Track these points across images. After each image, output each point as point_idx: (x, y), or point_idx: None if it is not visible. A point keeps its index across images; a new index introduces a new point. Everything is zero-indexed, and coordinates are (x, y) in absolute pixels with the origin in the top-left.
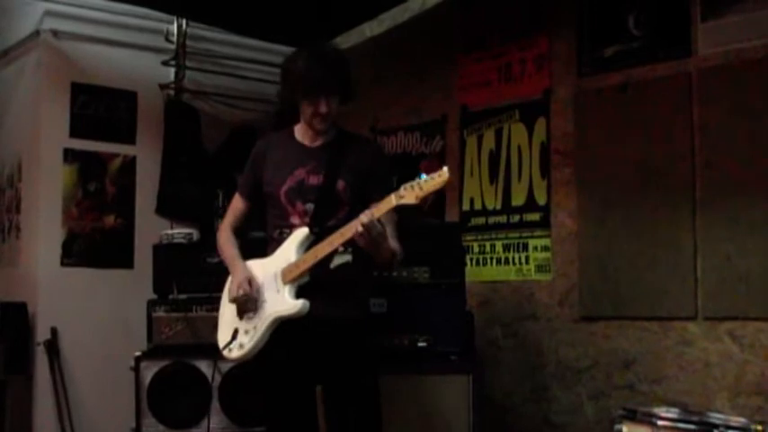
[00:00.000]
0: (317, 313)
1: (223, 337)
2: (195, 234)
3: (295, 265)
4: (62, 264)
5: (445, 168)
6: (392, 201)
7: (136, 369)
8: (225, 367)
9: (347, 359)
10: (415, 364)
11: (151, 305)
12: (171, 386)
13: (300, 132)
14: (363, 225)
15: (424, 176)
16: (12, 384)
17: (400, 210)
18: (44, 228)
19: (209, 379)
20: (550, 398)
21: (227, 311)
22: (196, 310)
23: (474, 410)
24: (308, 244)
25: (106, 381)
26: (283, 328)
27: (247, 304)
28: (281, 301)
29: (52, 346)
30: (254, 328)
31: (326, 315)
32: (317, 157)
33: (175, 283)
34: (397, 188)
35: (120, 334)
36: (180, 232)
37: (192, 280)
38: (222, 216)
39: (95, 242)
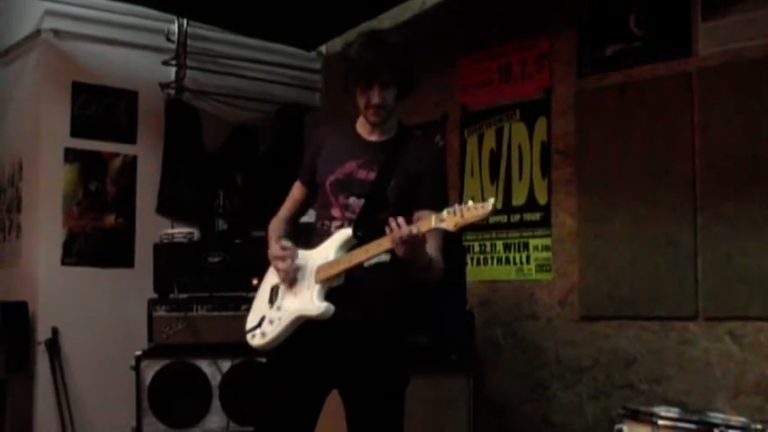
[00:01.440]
0: (348, 318)
1: (251, 321)
2: (196, 233)
3: (329, 265)
4: (63, 263)
5: (491, 200)
6: (431, 223)
7: (136, 368)
8: (225, 366)
9: (375, 366)
10: (415, 363)
11: (152, 304)
12: (171, 385)
13: (360, 123)
14: (401, 238)
15: (469, 203)
16: (13, 384)
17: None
18: (45, 227)
19: (210, 378)
20: (551, 397)
21: (260, 297)
22: (197, 310)
23: (474, 410)
24: (350, 247)
25: (107, 380)
26: (311, 326)
27: (290, 273)
28: (308, 300)
29: (53, 346)
30: (279, 319)
31: (358, 320)
32: (371, 152)
33: (176, 282)
34: (440, 209)
35: (120, 333)
36: (180, 232)
37: (192, 279)
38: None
39: (96, 241)
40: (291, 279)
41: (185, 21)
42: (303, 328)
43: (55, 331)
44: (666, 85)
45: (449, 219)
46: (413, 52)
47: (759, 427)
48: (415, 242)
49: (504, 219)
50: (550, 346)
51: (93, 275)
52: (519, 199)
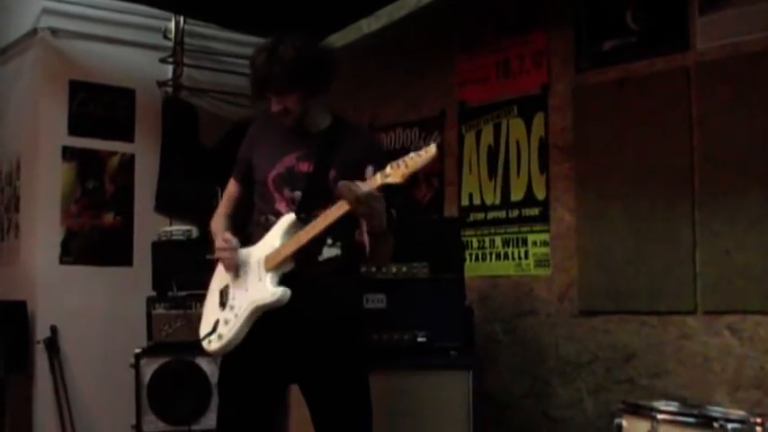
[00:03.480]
0: (306, 312)
1: (204, 328)
2: (194, 231)
3: (277, 251)
4: (61, 262)
5: (433, 145)
6: (377, 180)
7: (136, 366)
8: None
9: (336, 358)
10: (414, 359)
11: (150, 302)
12: (171, 383)
13: None
14: (357, 197)
15: (410, 154)
16: (12, 383)
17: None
18: (43, 226)
19: (209, 375)
20: (550, 393)
21: (209, 303)
22: (195, 307)
23: (474, 406)
24: (295, 231)
25: (106, 378)
26: (268, 323)
27: (232, 261)
28: (262, 289)
29: (52, 345)
30: (235, 316)
31: (315, 314)
32: (308, 144)
33: (174, 280)
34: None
35: (119, 331)
36: (179, 229)
37: (191, 277)
38: None
39: (94, 240)
40: (237, 269)
41: (182, 18)
42: (260, 324)
43: (54, 330)
44: (664, 80)
45: (394, 172)
46: (314, 55)
47: (758, 420)
48: (372, 198)
49: (502, 214)
50: (550, 342)
51: (91, 274)
52: (517, 194)
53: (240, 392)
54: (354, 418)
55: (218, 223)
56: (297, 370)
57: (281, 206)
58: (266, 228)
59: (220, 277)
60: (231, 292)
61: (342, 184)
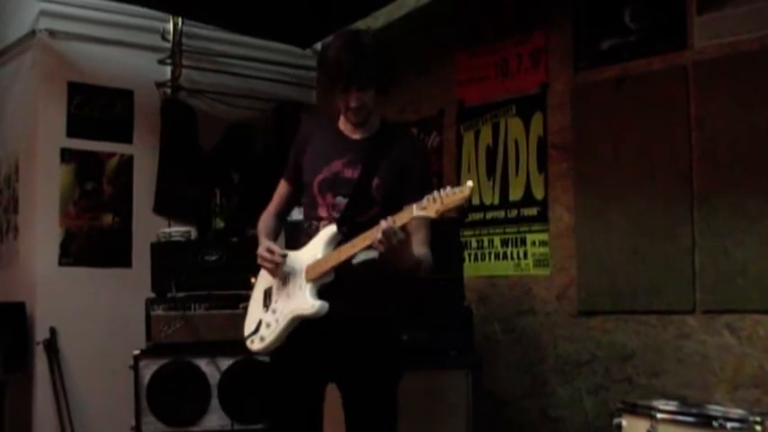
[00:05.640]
0: (340, 313)
1: (248, 326)
2: (193, 232)
3: (319, 263)
4: (60, 263)
5: (469, 183)
6: (412, 212)
7: (135, 368)
8: (224, 365)
9: (370, 359)
10: (413, 359)
11: (150, 304)
12: (170, 384)
13: (343, 120)
14: (382, 232)
15: (447, 189)
16: (11, 384)
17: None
18: (42, 227)
19: (208, 377)
20: (549, 392)
21: (255, 301)
22: (194, 309)
23: (473, 405)
24: (336, 242)
25: (105, 380)
26: (307, 323)
27: (277, 271)
28: (302, 299)
29: (51, 346)
30: (276, 321)
31: (349, 315)
32: (356, 150)
33: (174, 281)
34: (420, 198)
35: (118, 333)
36: (178, 230)
37: (190, 278)
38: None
39: (93, 241)
40: (282, 277)
41: (180, 19)
42: (300, 325)
43: (53, 331)
44: (662, 79)
45: (429, 206)
46: (389, 52)
47: (757, 419)
48: (396, 239)
49: (501, 214)
50: (549, 341)
51: (90, 275)
52: (516, 194)
53: (287, 393)
54: (385, 417)
55: (264, 223)
56: (336, 368)
57: (321, 211)
58: (310, 234)
59: (267, 276)
60: (274, 295)
61: (384, 222)
